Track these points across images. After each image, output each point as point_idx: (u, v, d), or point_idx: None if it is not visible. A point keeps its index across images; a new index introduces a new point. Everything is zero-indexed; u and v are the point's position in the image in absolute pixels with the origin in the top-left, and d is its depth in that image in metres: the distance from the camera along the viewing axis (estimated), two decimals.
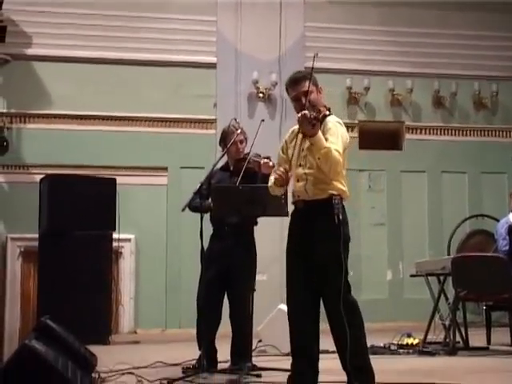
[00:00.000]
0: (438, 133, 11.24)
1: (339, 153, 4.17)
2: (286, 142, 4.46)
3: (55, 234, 8.24)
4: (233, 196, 5.20)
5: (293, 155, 4.30)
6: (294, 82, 4.36)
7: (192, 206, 5.63)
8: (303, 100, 4.26)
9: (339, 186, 4.25)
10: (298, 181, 4.31)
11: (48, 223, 8.29)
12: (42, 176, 8.79)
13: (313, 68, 4.16)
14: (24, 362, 4.09)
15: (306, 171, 4.26)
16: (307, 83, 4.27)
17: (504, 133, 11.41)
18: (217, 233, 5.71)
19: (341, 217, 4.18)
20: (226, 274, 5.58)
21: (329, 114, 4.36)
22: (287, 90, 4.44)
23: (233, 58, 10.43)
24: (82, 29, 10.06)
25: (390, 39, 10.89)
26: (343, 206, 4.23)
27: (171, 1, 10.40)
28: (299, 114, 4.12)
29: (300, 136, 4.27)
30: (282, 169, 4.25)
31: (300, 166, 4.30)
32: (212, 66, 10.44)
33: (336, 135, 4.22)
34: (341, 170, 4.26)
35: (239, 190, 5.15)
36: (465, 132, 11.31)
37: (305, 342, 4.22)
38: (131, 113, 10.22)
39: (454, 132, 11.28)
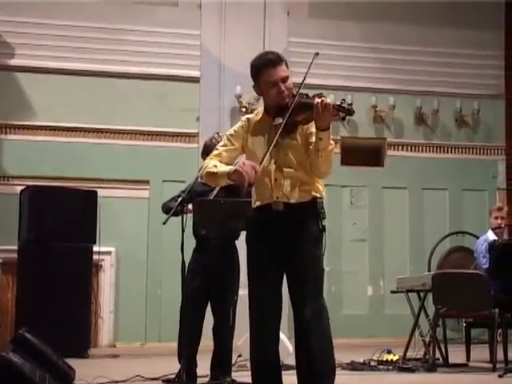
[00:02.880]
0: (420, 150, 11.30)
1: None
2: (238, 130, 3.97)
3: (35, 245, 8.17)
4: (215, 210, 5.18)
5: (267, 150, 3.75)
6: (278, 62, 3.83)
7: (166, 207, 5.69)
8: (282, 87, 3.79)
9: (320, 186, 3.93)
10: (275, 180, 3.86)
11: (28, 235, 8.22)
12: (22, 187, 8.74)
13: (310, 66, 3.79)
14: (0, 374, 4.04)
15: (286, 170, 3.84)
16: (286, 67, 3.84)
17: (485, 150, 11.48)
18: (199, 246, 5.71)
19: (324, 223, 3.89)
20: (209, 287, 5.59)
21: None
22: (264, 68, 3.83)
23: (216, 72, 10.43)
24: (65, 40, 10.03)
25: (373, 56, 10.95)
26: (324, 211, 3.92)
27: (155, 14, 10.40)
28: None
29: (272, 128, 3.80)
30: (257, 168, 3.66)
31: (275, 163, 3.84)
32: (195, 79, 10.44)
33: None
34: None
35: (221, 204, 5.14)
36: (446, 149, 11.38)
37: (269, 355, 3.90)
38: (113, 125, 10.19)
39: (435, 149, 11.34)
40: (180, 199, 5.51)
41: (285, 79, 3.83)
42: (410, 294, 7.50)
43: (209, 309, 5.72)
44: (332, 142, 3.75)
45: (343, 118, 3.71)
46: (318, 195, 3.90)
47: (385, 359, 6.90)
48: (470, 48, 11.17)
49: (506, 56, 11.32)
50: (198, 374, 5.60)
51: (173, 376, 5.62)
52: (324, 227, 3.89)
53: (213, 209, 5.20)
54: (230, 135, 4.01)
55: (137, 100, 10.24)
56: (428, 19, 11.10)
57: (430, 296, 7.12)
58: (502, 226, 7.47)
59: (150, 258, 10.04)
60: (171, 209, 5.49)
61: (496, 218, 7.58)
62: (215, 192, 5.40)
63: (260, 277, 3.95)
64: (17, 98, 9.95)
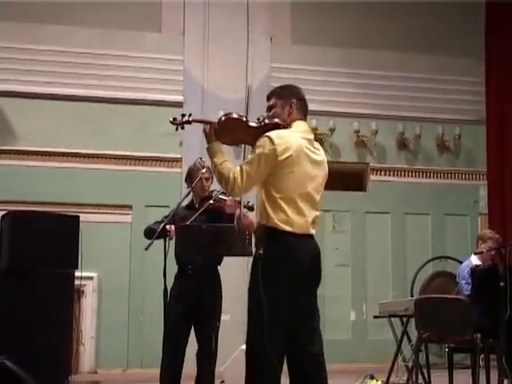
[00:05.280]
0: (402, 174, 11.34)
1: (241, 171, 3.93)
2: None
3: (15, 271, 8.07)
4: (197, 235, 5.17)
5: None
6: (267, 97, 4.37)
7: (149, 229, 5.66)
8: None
9: (270, 214, 3.94)
10: None
11: (8, 261, 8.11)
12: (3, 212, 8.67)
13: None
14: None
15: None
16: (273, 99, 4.31)
17: (467, 175, 11.54)
18: (182, 272, 5.70)
19: (261, 251, 3.89)
20: (191, 313, 5.57)
21: (280, 127, 4.13)
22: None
23: (199, 97, 10.46)
24: (48, 65, 10.03)
25: (356, 81, 11.01)
26: (272, 238, 3.90)
27: (138, 39, 10.43)
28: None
29: None
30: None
31: None
32: (178, 104, 10.43)
33: (254, 152, 4.00)
34: (270, 195, 3.96)
35: (203, 229, 5.13)
36: (428, 174, 11.43)
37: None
38: (96, 150, 10.17)
39: (417, 174, 11.39)
40: (162, 224, 5.49)
41: (269, 108, 4.34)
42: (392, 318, 7.50)
43: (192, 335, 5.70)
44: (215, 160, 4.07)
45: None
46: (263, 223, 3.98)
47: None
48: (451, 74, 11.26)
49: (487, 82, 11.42)
50: None
51: None
52: (260, 256, 3.91)
53: (195, 234, 5.19)
54: None
55: (120, 125, 10.24)
56: (410, 45, 11.20)
57: (412, 321, 7.12)
58: (484, 251, 7.48)
59: (132, 284, 9.98)
60: (154, 231, 5.46)
61: (490, 247, 7.57)
62: (194, 217, 5.40)
63: None
64: None
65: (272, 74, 10.58)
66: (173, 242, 5.42)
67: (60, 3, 10.11)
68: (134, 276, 9.97)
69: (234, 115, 4.20)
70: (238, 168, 3.96)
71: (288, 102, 4.25)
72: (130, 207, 10.20)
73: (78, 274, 8.49)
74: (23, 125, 9.98)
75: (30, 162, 9.97)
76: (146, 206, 10.00)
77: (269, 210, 3.96)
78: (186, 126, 4.40)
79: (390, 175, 11.28)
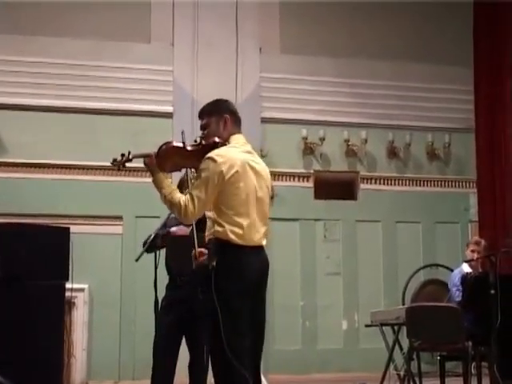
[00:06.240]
0: (393, 183, 11.35)
1: (191, 197, 4.06)
2: None
3: (6, 283, 8.06)
4: (187, 245, 5.17)
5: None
6: (198, 116, 4.52)
7: (147, 245, 5.64)
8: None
9: (224, 229, 4.02)
10: None
11: None
12: None
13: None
14: None
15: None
16: (205, 117, 4.44)
17: (457, 183, 11.56)
18: (173, 282, 5.69)
19: (214, 263, 3.98)
20: (182, 324, 5.55)
21: (218, 145, 4.21)
22: None
23: (189, 108, 10.43)
24: (38, 77, 10.00)
25: (345, 90, 11.03)
26: (225, 252, 4.00)
27: (127, 50, 10.42)
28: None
29: None
30: None
31: None
32: (168, 115, 10.44)
33: (199, 176, 4.12)
34: (222, 212, 4.06)
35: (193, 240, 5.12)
36: (418, 182, 11.44)
37: None
38: (86, 161, 10.13)
39: (408, 182, 11.41)
40: (153, 235, 5.50)
41: (203, 128, 4.47)
42: (384, 327, 7.51)
43: (184, 345, 5.69)
44: (164, 191, 4.29)
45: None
46: (216, 236, 4.06)
47: None
48: (440, 82, 11.29)
49: (475, 90, 11.46)
50: None
51: None
52: (213, 267, 3.98)
53: (185, 244, 5.19)
54: None
55: (109, 135, 10.20)
56: (400, 54, 11.23)
57: (404, 329, 7.12)
58: (474, 258, 7.52)
59: (123, 295, 9.94)
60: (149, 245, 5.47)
61: (473, 251, 7.61)
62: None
63: None
64: None
65: (261, 83, 10.60)
66: (163, 254, 5.42)
67: (48, 15, 10.11)
68: (125, 287, 9.94)
69: (173, 143, 4.36)
70: (188, 195, 4.09)
71: (222, 117, 4.36)
72: (120, 218, 10.17)
73: (68, 285, 8.47)
74: (11, 137, 9.93)
75: (18, 174, 9.93)
76: (137, 217, 9.98)
77: (224, 224, 4.04)
78: (127, 163, 4.63)
79: (380, 184, 11.30)
